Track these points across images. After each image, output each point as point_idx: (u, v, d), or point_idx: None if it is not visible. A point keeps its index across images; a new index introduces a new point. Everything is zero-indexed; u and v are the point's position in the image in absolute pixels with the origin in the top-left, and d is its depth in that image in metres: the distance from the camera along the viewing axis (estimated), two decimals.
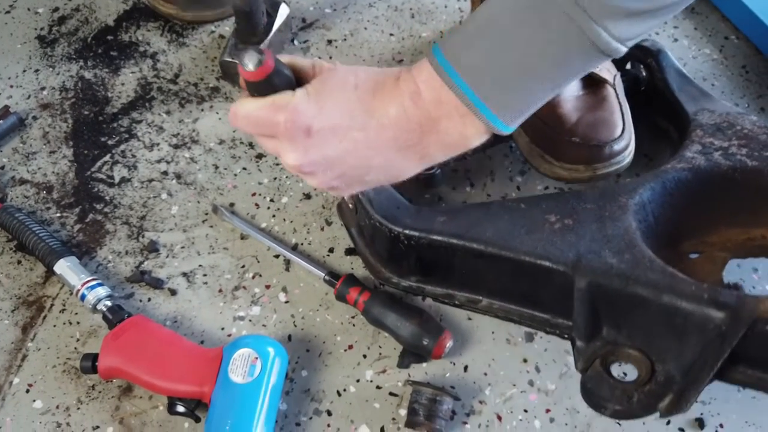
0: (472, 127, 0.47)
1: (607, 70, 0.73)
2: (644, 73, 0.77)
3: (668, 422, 0.61)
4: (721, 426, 0.61)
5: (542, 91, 0.46)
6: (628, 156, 0.68)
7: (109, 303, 0.65)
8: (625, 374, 0.60)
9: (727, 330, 0.50)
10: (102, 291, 0.65)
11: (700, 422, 0.61)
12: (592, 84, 0.72)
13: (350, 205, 0.67)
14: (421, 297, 0.68)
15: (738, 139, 0.64)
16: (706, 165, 0.62)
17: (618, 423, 0.61)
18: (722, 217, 0.64)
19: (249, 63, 0.45)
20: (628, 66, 0.79)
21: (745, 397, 0.63)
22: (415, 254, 0.63)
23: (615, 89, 0.72)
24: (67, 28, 0.90)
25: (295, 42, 0.90)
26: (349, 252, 0.71)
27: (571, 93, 0.71)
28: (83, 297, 0.65)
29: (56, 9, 0.92)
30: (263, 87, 0.47)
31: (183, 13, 0.89)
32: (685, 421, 0.61)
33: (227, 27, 0.91)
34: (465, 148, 0.49)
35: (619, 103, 0.71)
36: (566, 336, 0.61)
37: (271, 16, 0.84)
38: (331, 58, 0.88)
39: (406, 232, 0.61)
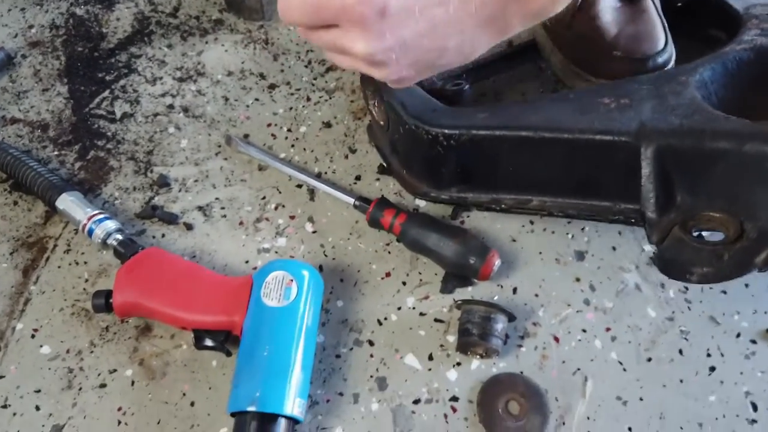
0: None
1: None
2: None
3: (738, 335, 0.57)
4: None
5: None
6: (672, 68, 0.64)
7: (120, 236, 0.59)
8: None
9: None
10: (111, 224, 0.59)
11: None
12: None
13: (380, 123, 0.61)
14: (463, 220, 0.63)
15: None
16: None
17: (685, 338, 0.57)
18: None
19: None
20: None
21: None
22: (456, 158, 0.58)
23: (654, 2, 0.68)
24: None
25: None
26: (382, 171, 0.66)
27: (608, 4, 0.66)
28: (90, 232, 0.59)
29: None
30: None
31: None
32: (756, 332, 0.57)
33: None
34: (550, 13, 0.45)
35: (659, 15, 0.67)
36: (633, 221, 0.56)
37: None
38: None
39: (446, 131, 0.56)
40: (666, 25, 0.67)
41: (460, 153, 0.57)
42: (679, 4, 0.72)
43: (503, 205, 0.60)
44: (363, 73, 0.52)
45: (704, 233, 0.53)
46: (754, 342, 0.56)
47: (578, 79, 0.67)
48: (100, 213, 0.60)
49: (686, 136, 0.50)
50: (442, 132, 0.56)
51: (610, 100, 0.55)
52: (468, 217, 0.64)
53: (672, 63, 0.64)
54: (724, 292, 0.59)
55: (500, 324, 0.54)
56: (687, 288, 0.59)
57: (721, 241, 0.51)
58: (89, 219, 0.59)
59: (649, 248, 0.62)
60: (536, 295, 0.59)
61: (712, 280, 0.50)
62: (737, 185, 0.51)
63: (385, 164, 0.65)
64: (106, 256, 0.60)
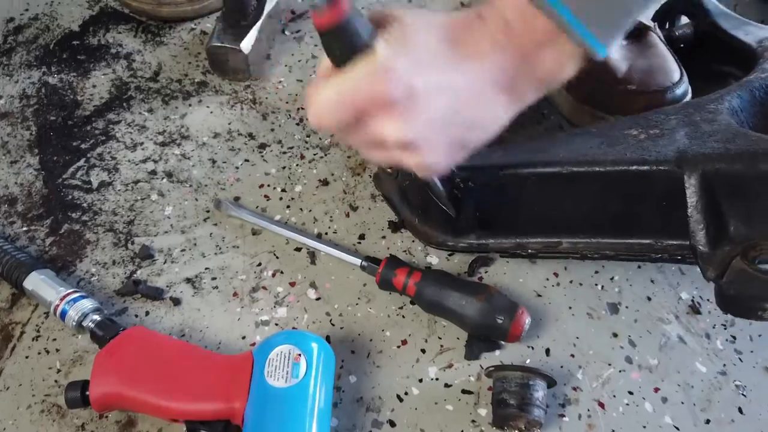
0: (565, 52, 0.41)
1: (645, 18, 0.67)
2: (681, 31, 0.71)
3: None
4: None
5: (636, 3, 0.41)
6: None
7: (97, 317, 0.51)
8: None
9: None
10: (88, 304, 0.52)
11: None
12: (634, 33, 0.66)
13: (388, 170, 0.57)
14: (481, 276, 0.57)
15: None
16: None
17: (743, 393, 0.50)
18: None
19: (321, 3, 0.36)
20: (667, 25, 0.74)
21: None
22: (474, 201, 0.53)
23: (660, 36, 0.66)
24: (24, 36, 0.80)
25: (286, 32, 0.81)
26: (394, 227, 0.61)
27: None
28: (64, 314, 0.52)
29: (11, 19, 0.82)
30: (341, 34, 0.37)
31: (158, 8, 0.80)
32: None
33: (209, 23, 0.82)
34: (558, 80, 0.43)
35: (668, 48, 0.65)
36: (679, 257, 0.51)
37: (260, 1, 0.76)
38: None
39: (461, 174, 0.52)
40: (677, 58, 0.65)
41: (479, 195, 0.53)
42: (682, 45, 0.70)
43: (529, 251, 0.56)
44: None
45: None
46: None
47: (590, 118, 0.64)
48: (74, 292, 0.53)
49: (735, 160, 0.47)
50: (458, 174, 0.52)
51: (638, 131, 0.51)
52: (486, 272, 0.58)
53: (689, 95, 0.61)
54: None
55: (540, 391, 0.47)
56: (735, 337, 0.54)
57: None
58: (62, 299, 0.52)
59: (687, 296, 0.56)
60: (572, 356, 0.53)
61: None
62: None
63: (395, 215, 0.60)
64: (81, 341, 0.53)
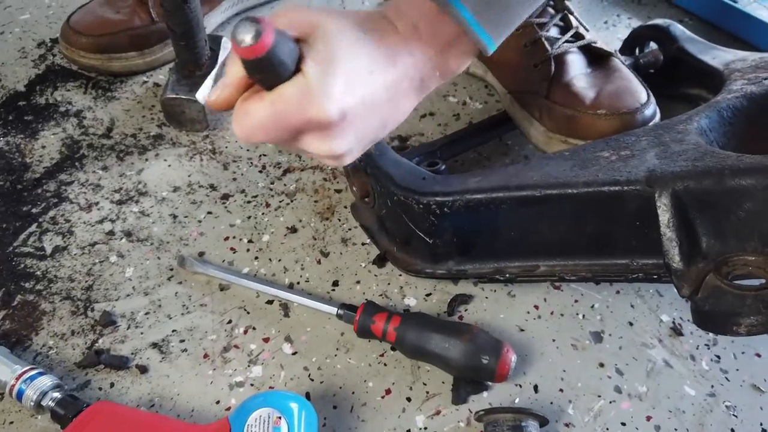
0: (463, 50, 0.45)
1: (605, 45, 0.68)
2: (648, 58, 0.73)
3: None
4: None
5: (522, 6, 0.44)
6: (658, 121, 0.63)
7: (58, 394, 0.48)
8: None
9: None
10: (46, 381, 0.48)
11: None
12: (597, 60, 0.67)
13: (365, 199, 0.57)
14: (461, 314, 0.56)
15: None
16: (760, 89, 0.56)
17: (734, 414, 0.50)
18: None
19: (245, 36, 0.34)
20: (636, 51, 0.77)
21: None
22: (451, 227, 0.53)
23: (621, 60, 0.67)
24: None
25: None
26: (381, 261, 0.60)
27: (579, 71, 0.66)
28: (20, 394, 0.48)
29: None
30: (265, 65, 0.36)
31: (109, 63, 0.78)
32: None
33: (161, 76, 0.81)
34: (454, 75, 0.46)
35: (632, 71, 0.67)
36: (656, 276, 0.51)
37: (214, 50, 0.75)
38: None
39: (438, 199, 0.52)
40: (641, 80, 0.66)
41: (455, 221, 0.53)
42: (651, 71, 0.72)
43: (508, 275, 0.55)
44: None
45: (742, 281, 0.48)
46: None
47: (564, 147, 0.64)
48: (31, 369, 0.49)
49: (704, 177, 0.47)
50: (434, 200, 0.52)
51: (609, 153, 0.52)
52: (466, 310, 0.57)
53: (658, 116, 0.63)
54: (759, 355, 0.54)
55: (534, 431, 0.45)
56: (719, 357, 0.53)
57: (764, 285, 0.45)
58: (18, 378, 0.48)
59: (668, 318, 0.56)
60: (561, 390, 0.51)
61: (764, 330, 0.44)
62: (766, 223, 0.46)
63: (374, 244, 0.59)
64: (42, 421, 0.49)
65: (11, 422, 0.49)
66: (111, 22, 0.78)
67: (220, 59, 0.75)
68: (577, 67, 0.66)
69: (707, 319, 0.46)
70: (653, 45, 0.75)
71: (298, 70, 0.39)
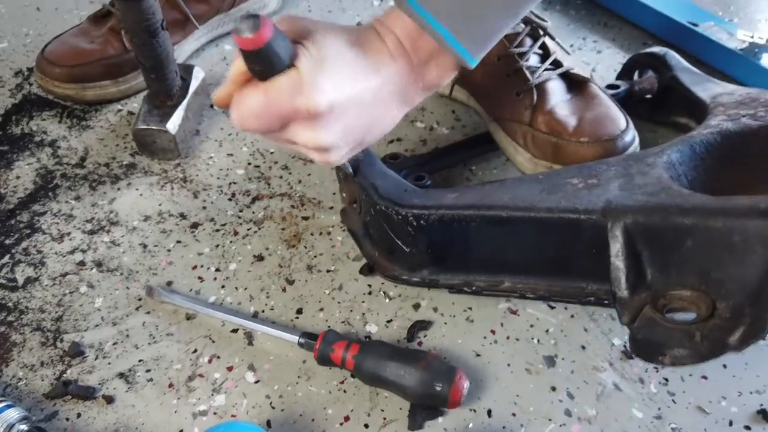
0: (444, 65, 0.49)
1: (583, 70, 0.71)
2: (644, 84, 0.76)
3: (730, 423, 0.52)
4: None
5: (504, 22, 0.48)
6: (637, 148, 0.66)
7: (24, 427, 0.49)
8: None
9: None
10: (13, 413, 0.50)
11: (764, 414, 0.53)
12: (576, 86, 0.70)
13: (354, 205, 0.61)
14: (420, 340, 0.58)
15: (764, 107, 0.61)
16: (735, 127, 0.58)
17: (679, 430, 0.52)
18: (761, 178, 0.59)
19: (245, 30, 0.39)
20: (636, 76, 0.79)
21: None
22: (426, 239, 0.57)
23: (598, 86, 0.70)
24: None
25: (215, 106, 0.82)
26: (368, 271, 0.63)
27: (559, 99, 0.69)
28: None
29: None
30: (264, 56, 0.41)
31: (83, 92, 0.80)
32: (747, 416, 0.53)
33: (136, 104, 0.82)
34: (438, 87, 0.51)
35: (609, 97, 0.69)
36: (606, 302, 0.54)
37: (185, 79, 0.77)
38: None
39: (415, 211, 0.56)
40: (620, 106, 0.69)
41: (430, 233, 0.56)
42: (648, 96, 0.74)
43: (474, 287, 0.58)
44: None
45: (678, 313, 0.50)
46: (748, 428, 0.52)
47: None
48: None
49: (653, 212, 0.49)
50: (411, 212, 0.55)
51: (578, 180, 0.54)
52: (425, 336, 0.59)
53: (637, 141, 0.65)
54: (705, 378, 0.55)
55: None
56: (667, 380, 0.55)
57: (693, 321, 0.48)
58: None
59: (619, 341, 0.58)
60: (513, 414, 0.53)
61: (686, 362, 0.47)
62: (707, 261, 0.49)
63: (358, 249, 0.63)
64: None
65: None
66: (85, 52, 0.79)
67: (192, 89, 0.77)
68: (558, 95, 0.69)
69: (639, 347, 0.48)
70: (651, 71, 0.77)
71: (292, 66, 0.43)
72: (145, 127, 0.72)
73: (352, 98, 0.45)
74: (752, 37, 0.82)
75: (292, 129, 0.45)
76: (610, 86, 0.76)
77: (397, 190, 0.59)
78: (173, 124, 0.72)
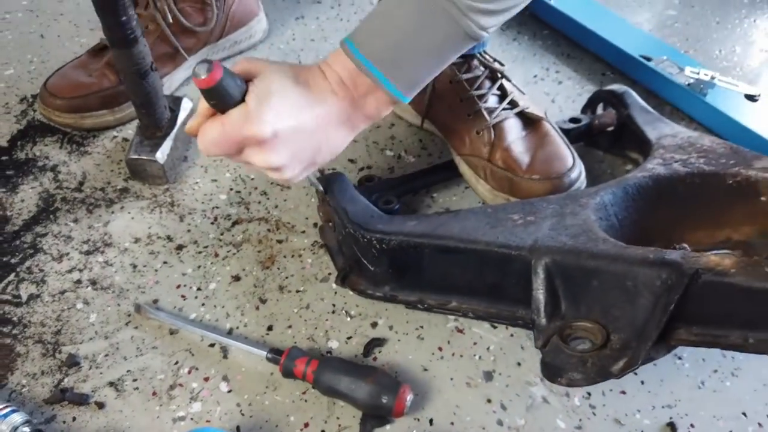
0: (381, 100, 0.57)
1: (537, 107, 0.78)
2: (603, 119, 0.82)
3: None
4: (692, 426, 0.60)
5: (430, 69, 0.57)
6: (583, 182, 0.73)
7: (27, 429, 0.57)
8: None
9: (672, 283, 0.52)
10: (18, 418, 0.58)
11: (672, 426, 0.60)
12: (530, 123, 0.77)
13: (330, 224, 0.70)
14: (375, 356, 0.65)
15: (697, 152, 0.68)
16: (666, 172, 0.66)
17: None
18: (686, 221, 0.66)
19: (201, 72, 0.49)
20: (599, 110, 0.86)
21: (706, 392, 0.63)
22: (388, 259, 0.64)
23: (551, 124, 0.77)
24: None
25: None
26: (343, 279, 0.70)
27: (515, 136, 0.76)
28: None
29: None
30: (216, 93, 0.51)
31: (81, 121, 0.87)
32: (657, 428, 0.60)
33: (130, 130, 0.90)
34: (379, 117, 0.59)
35: (560, 135, 0.76)
36: (531, 326, 0.60)
37: (174, 111, 0.84)
38: None
39: (378, 236, 0.63)
40: (569, 143, 0.76)
41: (391, 256, 0.64)
42: (611, 128, 0.82)
43: (427, 305, 0.66)
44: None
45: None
46: None
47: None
48: (5, 407, 0.58)
49: (568, 254, 0.57)
50: (375, 236, 0.63)
51: (518, 216, 0.62)
52: (380, 352, 0.66)
53: (582, 176, 0.73)
54: (624, 392, 0.63)
55: None
56: (590, 394, 0.63)
57: (588, 349, 0.55)
58: None
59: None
60: (452, 423, 0.61)
61: (579, 384, 0.55)
62: (607, 300, 0.56)
63: (332, 263, 0.72)
64: None
65: None
66: (83, 85, 0.87)
67: (180, 119, 0.84)
68: (513, 132, 0.76)
69: (546, 369, 0.56)
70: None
71: (243, 101, 0.52)
72: (136, 157, 0.79)
73: (295, 126, 0.53)
74: (698, 73, 0.88)
75: (246, 153, 0.54)
76: (573, 119, 0.83)
77: (364, 216, 0.66)
78: (162, 153, 0.80)
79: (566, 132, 0.81)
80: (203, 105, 0.54)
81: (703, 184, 0.66)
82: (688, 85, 0.88)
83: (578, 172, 0.73)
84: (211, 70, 0.49)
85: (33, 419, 0.59)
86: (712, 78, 0.87)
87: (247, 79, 0.53)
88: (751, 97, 0.87)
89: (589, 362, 0.53)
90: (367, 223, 0.65)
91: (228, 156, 0.55)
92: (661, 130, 0.76)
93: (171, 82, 0.94)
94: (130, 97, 0.77)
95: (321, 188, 0.68)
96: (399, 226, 0.65)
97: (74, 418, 0.61)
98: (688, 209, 0.67)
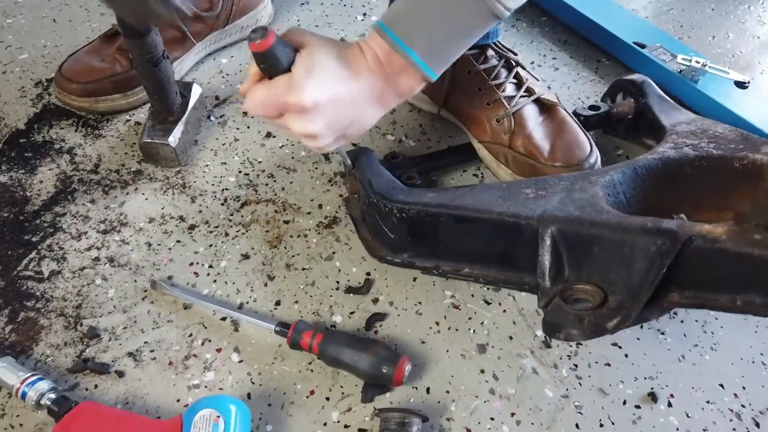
0: (413, 77, 0.60)
1: (550, 94, 0.81)
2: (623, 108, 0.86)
3: (624, 402, 0.64)
4: (672, 396, 0.65)
5: (458, 46, 0.60)
6: (600, 167, 0.77)
7: (53, 395, 0.62)
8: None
9: (666, 249, 0.56)
10: (44, 385, 0.62)
11: (652, 396, 0.65)
12: (546, 109, 0.81)
13: (355, 195, 0.75)
14: (376, 330, 0.70)
15: (708, 138, 0.72)
16: (675, 155, 0.69)
17: (580, 412, 0.64)
18: (693, 202, 0.69)
19: (256, 37, 0.55)
20: (619, 98, 0.89)
21: (686, 365, 0.67)
22: (407, 228, 0.69)
23: (565, 109, 0.81)
24: None
25: (212, 118, 0.93)
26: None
27: (534, 123, 0.80)
28: (24, 395, 0.62)
29: None
30: (267, 57, 0.56)
31: (96, 105, 0.91)
32: (639, 397, 0.65)
33: (142, 114, 0.94)
34: (411, 94, 0.63)
35: (575, 121, 0.80)
36: (536, 290, 0.64)
37: (185, 96, 0.88)
38: (248, 128, 0.92)
39: (398, 205, 0.68)
40: (584, 128, 0.80)
41: (410, 224, 0.68)
42: (630, 117, 0.85)
43: (442, 271, 0.70)
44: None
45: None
46: (638, 407, 0.64)
47: None
48: (32, 375, 0.63)
49: (573, 223, 0.61)
50: (396, 206, 0.68)
51: (531, 191, 0.66)
52: (381, 326, 0.70)
53: (599, 162, 0.77)
54: (608, 365, 0.67)
55: (415, 427, 0.59)
56: (577, 365, 0.67)
57: (586, 308, 0.59)
58: (22, 383, 0.62)
59: (541, 333, 0.69)
60: (447, 392, 0.65)
61: (574, 338, 0.59)
62: (607, 265, 0.60)
63: (355, 230, 0.77)
64: (41, 415, 0.63)
65: (17, 415, 0.64)
66: (96, 69, 0.90)
67: (191, 104, 0.88)
68: (532, 119, 0.80)
69: (546, 326, 0.60)
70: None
71: (289, 70, 0.57)
72: (149, 141, 0.83)
73: (333, 98, 0.58)
74: (690, 60, 0.91)
75: (286, 118, 0.59)
76: (592, 107, 0.86)
77: (387, 187, 0.71)
78: (174, 137, 0.84)
79: (586, 119, 0.85)
80: (253, 69, 0.59)
81: (710, 167, 0.69)
82: (680, 72, 0.91)
83: (596, 157, 0.78)
84: (265, 35, 0.55)
85: (58, 386, 0.64)
86: (704, 65, 0.90)
87: (296, 49, 0.58)
88: (740, 84, 0.90)
89: (586, 320, 0.58)
90: (389, 193, 0.70)
91: (269, 118, 0.60)
92: (676, 117, 0.79)
93: (181, 67, 0.97)
94: (143, 84, 0.81)
95: (349, 162, 0.74)
96: (418, 197, 0.69)
97: (96, 386, 0.66)
98: (695, 191, 0.70)
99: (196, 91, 0.89)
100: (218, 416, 0.57)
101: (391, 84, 0.60)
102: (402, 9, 0.58)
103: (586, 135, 0.79)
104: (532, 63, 1.01)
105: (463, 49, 0.61)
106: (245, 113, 0.94)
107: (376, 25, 0.59)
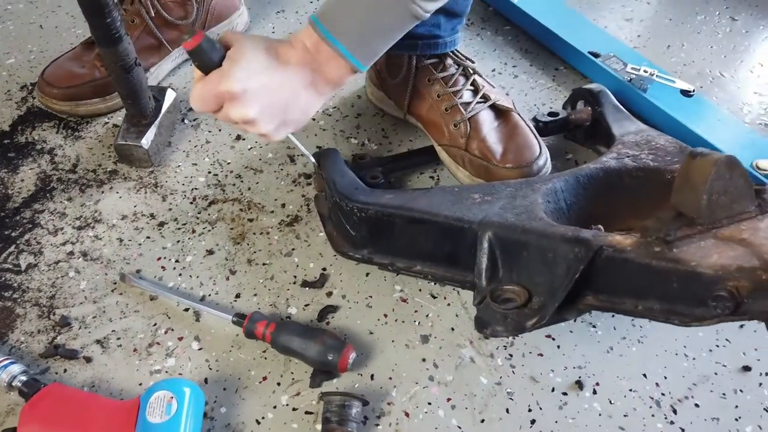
0: (341, 67, 0.66)
1: (506, 100, 0.87)
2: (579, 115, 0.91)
3: (553, 389, 0.69)
4: (597, 384, 0.70)
5: (384, 42, 0.66)
6: (549, 167, 0.83)
7: (24, 378, 0.67)
8: None
9: (582, 256, 0.62)
10: (16, 368, 0.68)
11: (579, 384, 0.69)
12: (501, 114, 0.86)
13: (322, 192, 0.81)
14: (328, 321, 0.75)
15: (649, 150, 0.77)
16: (616, 165, 0.74)
17: (511, 398, 0.69)
18: (629, 209, 0.74)
19: (187, 37, 0.63)
20: (579, 105, 0.94)
21: (613, 356, 0.72)
22: (367, 227, 0.74)
23: (519, 114, 0.86)
24: None
25: (186, 121, 0.98)
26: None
27: (489, 127, 0.85)
28: None
29: None
30: (197, 54, 0.63)
31: (76, 108, 0.96)
32: (567, 385, 0.70)
33: (120, 117, 0.99)
34: (341, 82, 0.68)
35: (528, 126, 0.85)
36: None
37: (159, 100, 0.93)
38: (220, 131, 0.97)
39: (359, 205, 0.73)
40: (535, 132, 0.85)
41: (369, 223, 0.74)
42: (587, 124, 0.90)
43: (396, 267, 0.75)
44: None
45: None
46: (565, 394, 0.69)
47: None
48: (5, 359, 0.68)
49: (508, 229, 0.66)
50: (356, 206, 0.73)
51: (478, 196, 0.72)
52: (333, 318, 0.76)
53: (548, 163, 0.82)
54: (541, 355, 0.72)
55: (354, 409, 0.64)
56: (512, 355, 0.72)
57: (510, 307, 0.64)
58: None
59: None
60: (390, 378, 0.70)
61: (498, 335, 0.65)
62: (534, 268, 0.65)
63: (322, 226, 0.82)
64: (12, 396, 0.68)
65: None
66: (77, 75, 0.95)
67: (164, 108, 0.93)
68: (487, 124, 0.85)
69: (477, 321, 0.66)
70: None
71: (220, 65, 0.63)
72: (123, 143, 0.88)
73: (262, 84, 0.63)
74: (639, 70, 0.95)
75: (225, 107, 0.64)
76: (551, 113, 0.91)
77: (349, 187, 0.76)
78: (147, 139, 0.89)
79: (545, 124, 0.90)
80: (197, 71, 0.65)
81: (646, 177, 0.74)
82: (630, 80, 0.96)
83: (544, 159, 0.82)
84: (193, 34, 0.62)
85: (30, 370, 0.69)
86: (651, 74, 0.95)
87: (227, 48, 0.64)
88: (686, 93, 0.95)
89: (510, 318, 0.63)
90: (351, 194, 0.75)
91: (212, 112, 0.66)
92: (626, 127, 0.84)
93: (158, 72, 1.02)
94: (117, 89, 0.86)
95: (314, 161, 0.79)
96: (377, 198, 0.74)
97: (65, 370, 0.71)
98: (631, 199, 0.75)
99: (170, 96, 0.94)
100: (172, 397, 0.62)
101: (319, 71, 0.66)
102: (334, 5, 0.64)
103: (536, 138, 0.84)
104: (494, 71, 1.06)
105: (390, 43, 0.66)
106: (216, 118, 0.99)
107: (310, 19, 0.65)
